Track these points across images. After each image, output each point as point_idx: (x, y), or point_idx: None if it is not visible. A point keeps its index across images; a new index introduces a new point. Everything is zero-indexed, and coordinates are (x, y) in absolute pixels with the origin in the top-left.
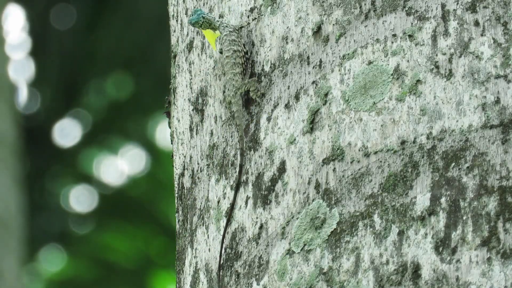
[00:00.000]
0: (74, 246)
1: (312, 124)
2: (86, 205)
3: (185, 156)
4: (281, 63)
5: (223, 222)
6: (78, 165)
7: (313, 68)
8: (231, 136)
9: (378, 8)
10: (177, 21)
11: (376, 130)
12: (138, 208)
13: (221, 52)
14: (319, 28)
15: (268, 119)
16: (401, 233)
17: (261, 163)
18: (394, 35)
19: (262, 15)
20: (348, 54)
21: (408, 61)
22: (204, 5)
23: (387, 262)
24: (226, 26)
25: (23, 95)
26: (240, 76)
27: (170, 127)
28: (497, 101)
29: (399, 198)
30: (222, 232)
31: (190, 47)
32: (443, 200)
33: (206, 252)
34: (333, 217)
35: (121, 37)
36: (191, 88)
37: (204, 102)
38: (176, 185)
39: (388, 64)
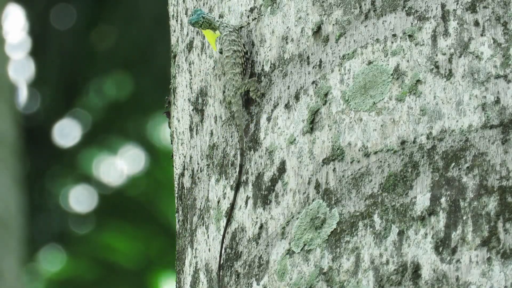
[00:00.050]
0: (74, 246)
1: (312, 124)
2: (86, 205)
3: (185, 156)
4: (281, 63)
5: (223, 222)
6: (77, 165)
7: (313, 68)
8: (231, 136)
9: (378, 8)
10: (177, 21)
11: (376, 130)
12: (138, 208)
13: (221, 52)
14: (319, 28)
15: (268, 119)
16: (401, 233)
17: (261, 163)
18: (394, 35)
19: (262, 15)
20: (348, 54)
21: (408, 61)
22: (204, 5)
23: (387, 262)
24: (226, 26)
25: (23, 95)
26: (240, 76)
27: (170, 127)
28: (497, 101)
29: (399, 198)
30: (222, 232)
31: (190, 47)
32: (443, 200)
33: (206, 252)
34: (333, 217)
35: (121, 37)
36: (191, 88)
37: (204, 102)
38: (176, 185)
39: (388, 64)
